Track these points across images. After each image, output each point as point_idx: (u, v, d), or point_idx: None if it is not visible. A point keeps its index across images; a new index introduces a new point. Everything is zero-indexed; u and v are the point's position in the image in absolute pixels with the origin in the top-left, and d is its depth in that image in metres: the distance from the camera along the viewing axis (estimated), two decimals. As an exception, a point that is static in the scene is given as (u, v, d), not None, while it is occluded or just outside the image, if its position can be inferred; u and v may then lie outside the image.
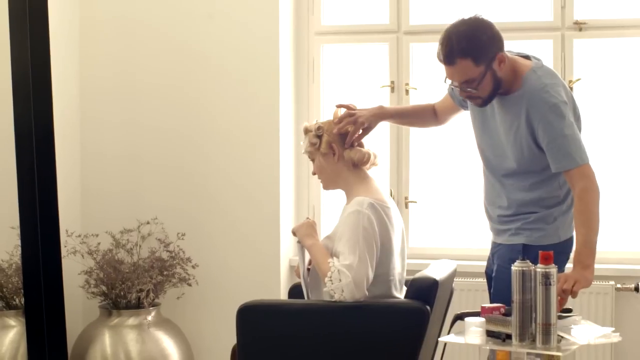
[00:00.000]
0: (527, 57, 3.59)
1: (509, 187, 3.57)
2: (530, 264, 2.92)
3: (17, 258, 4.62)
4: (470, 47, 3.38)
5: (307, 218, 3.80)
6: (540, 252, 2.91)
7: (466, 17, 3.47)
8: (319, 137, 3.69)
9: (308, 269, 3.70)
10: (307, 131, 3.74)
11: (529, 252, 3.42)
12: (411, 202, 5.12)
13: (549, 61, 4.88)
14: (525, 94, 3.43)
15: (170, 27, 5.23)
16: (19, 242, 4.24)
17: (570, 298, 3.21)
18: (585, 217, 3.35)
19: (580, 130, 3.49)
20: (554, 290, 2.87)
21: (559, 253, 3.23)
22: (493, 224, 3.68)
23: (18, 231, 4.19)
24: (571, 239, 3.54)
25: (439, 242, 5.10)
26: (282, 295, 4.99)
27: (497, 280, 3.58)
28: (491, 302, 3.47)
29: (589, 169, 3.39)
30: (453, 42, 3.39)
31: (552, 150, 3.40)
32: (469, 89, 3.45)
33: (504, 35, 4.77)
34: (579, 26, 4.91)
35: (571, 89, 4.86)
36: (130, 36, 5.29)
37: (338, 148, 3.67)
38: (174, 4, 5.23)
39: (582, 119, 3.57)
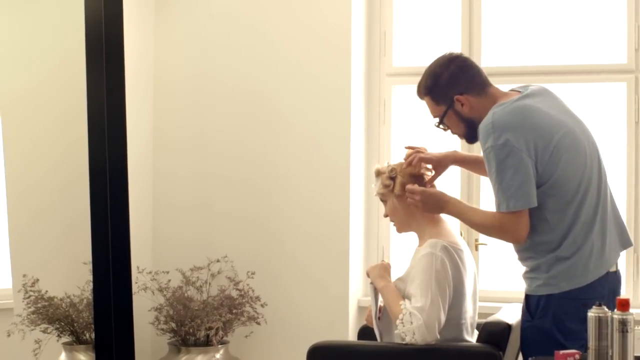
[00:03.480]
0: (519, 90, 3.45)
1: None
2: (607, 310, 2.87)
3: (88, 293, 4.66)
4: (430, 87, 3.46)
5: (382, 260, 3.78)
6: (617, 298, 2.85)
7: (448, 53, 3.51)
8: (393, 178, 3.67)
9: (379, 317, 3.67)
10: (379, 173, 3.72)
11: (530, 302, 3.37)
12: (481, 244, 5.08)
13: (622, 104, 4.85)
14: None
15: (240, 76, 5.31)
16: (90, 278, 4.28)
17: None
18: (472, 217, 3.44)
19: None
20: (631, 338, 2.82)
21: (564, 301, 3.25)
22: None
23: (90, 267, 4.24)
24: (583, 289, 3.28)
25: (509, 285, 5.05)
26: (351, 335, 4.97)
27: None
28: None
29: (504, 218, 3.27)
30: (422, 78, 3.50)
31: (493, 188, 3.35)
32: (440, 126, 3.51)
33: (577, 77, 4.82)
34: (654, 69, 4.87)
35: (645, 132, 4.83)
36: (202, 88, 5.38)
37: (411, 190, 3.65)
38: (244, 54, 5.28)
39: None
